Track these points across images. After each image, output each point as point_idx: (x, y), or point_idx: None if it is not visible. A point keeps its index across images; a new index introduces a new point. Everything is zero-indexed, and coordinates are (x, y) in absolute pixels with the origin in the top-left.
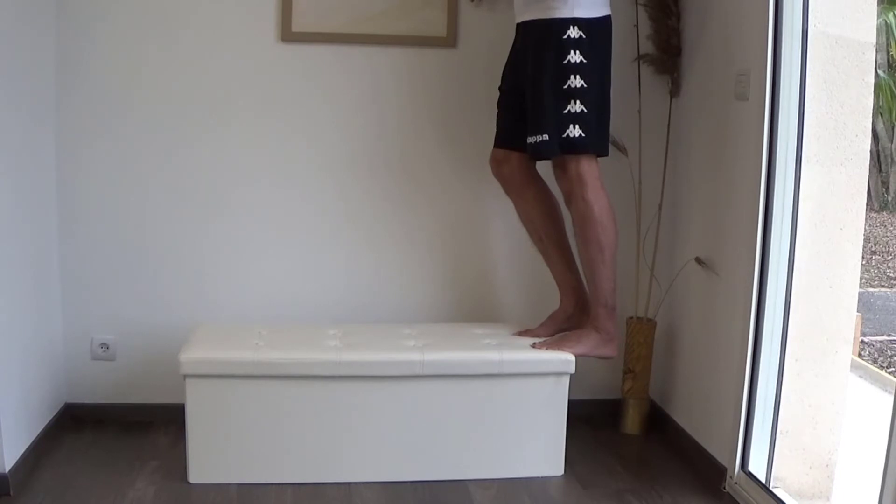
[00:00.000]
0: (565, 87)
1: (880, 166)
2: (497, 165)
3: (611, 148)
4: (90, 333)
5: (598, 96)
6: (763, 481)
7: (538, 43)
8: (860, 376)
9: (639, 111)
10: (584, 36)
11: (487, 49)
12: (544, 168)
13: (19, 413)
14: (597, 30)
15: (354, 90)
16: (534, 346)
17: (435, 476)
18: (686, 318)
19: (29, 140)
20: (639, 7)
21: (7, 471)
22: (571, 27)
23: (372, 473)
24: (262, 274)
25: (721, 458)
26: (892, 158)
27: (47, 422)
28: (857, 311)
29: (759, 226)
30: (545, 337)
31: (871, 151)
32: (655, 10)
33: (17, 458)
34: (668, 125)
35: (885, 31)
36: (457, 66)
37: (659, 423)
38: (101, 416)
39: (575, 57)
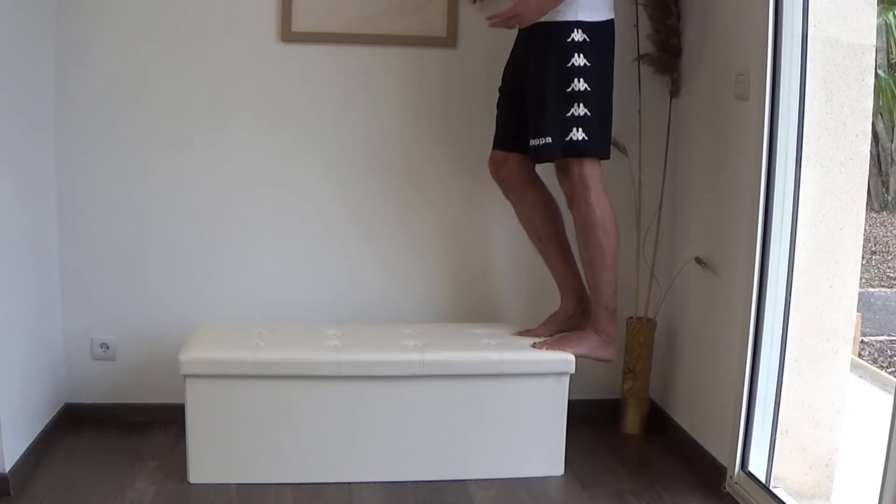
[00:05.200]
0: (568, 90)
1: (880, 166)
2: (496, 167)
3: (611, 148)
4: (90, 333)
5: (600, 99)
6: (763, 481)
7: (541, 46)
8: (860, 376)
9: (639, 111)
10: (587, 39)
11: (487, 49)
12: (543, 169)
13: (19, 413)
14: (600, 33)
15: (354, 90)
16: (534, 346)
17: (435, 476)
18: (686, 318)
19: (29, 140)
20: (639, 7)
21: (7, 471)
22: (575, 30)
23: (372, 473)
24: (262, 274)
25: (721, 458)
26: (892, 158)
27: (47, 422)
28: (857, 311)
29: (759, 226)
30: (545, 337)
31: (871, 152)
32: (655, 10)
33: (17, 458)
34: (668, 125)
35: (885, 31)
36: (457, 66)
37: (659, 423)
38: (101, 416)
39: (578, 60)
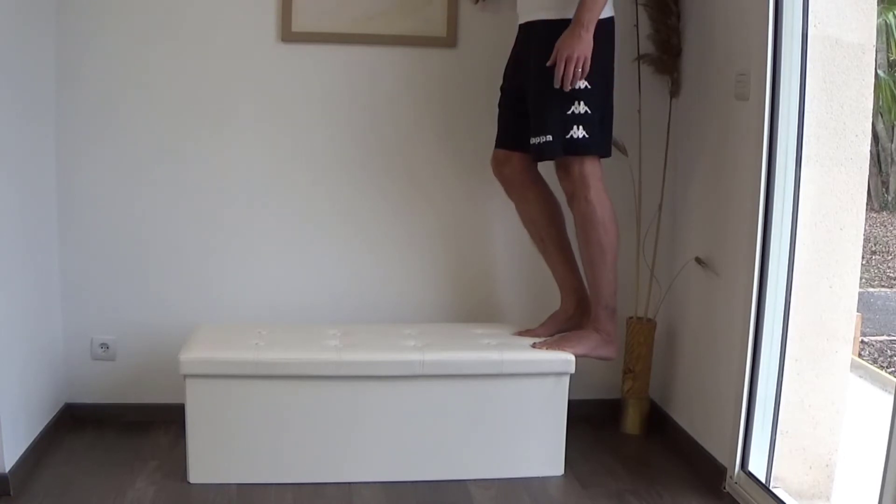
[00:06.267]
0: (569, 88)
1: (880, 166)
2: (498, 166)
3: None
4: (90, 333)
5: (601, 97)
6: (763, 481)
7: (542, 44)
8: (860, 376)
9: (639, 111)
10: None
11: (487, 49)
12: (545, 168)
13: (19, 413)
14: (601, 31)
15: (354, 90)
16: (534, 346)
17: (435, 476)
18: (686, 318)
19: (29, 140)
20: (639, 7)
21: (7, 471)
22: None
23: (372, 473)
24: (262, 274)
25: (721, 458)
26: (892, 158)
27: (47, 422)
28: (857, 311)
29: (759, 226)
30: (545, 337)
31: (871, 152)
32: (655, 10)
33: (17, 458)
34: (668, 125)
35: (885, 31)
36: (457, 66)
37: (659, 423)
38: (101, 416)
39: None
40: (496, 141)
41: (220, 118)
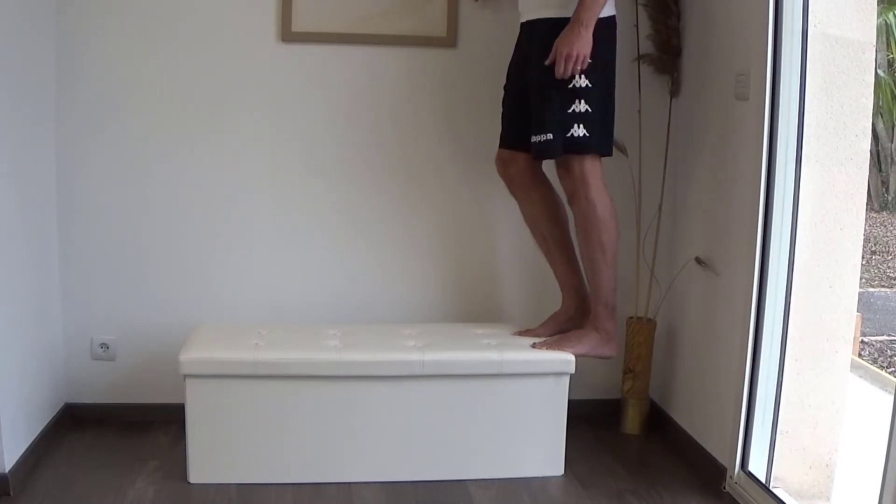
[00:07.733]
0: (570, 86)
1: (880, 166)
2: (503, 166)
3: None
4: (90, 333)
5: (602, 96)
6: (763, 481)
7: (544, 42)
8: (860, 376)
9: (639, 111)
10: None
11: (488, 49)
12: (547, 165)
13: (19, 413)
14: (602, 30)
15: (354, 90)
16: (534, 346)
17: (435, 476)
18: (686, 318)
19: (29, 140)
20: (639, 7)
21: (7, 471)
22: None
23: (372, 473)
24: (262, 274)
25: (721, 458)
26: (892, 158)
27: (47, 422)
28: (857, 311)
29: (759, 226)
30: (545, 337)
31: (871, 151)
32: (655, 10)
33: (17, 458)
34: (668, 125)
35: (885, 31)
36: (457, 67)
37: (659, 423)
38: (101, 416)
39: None
40: (501, 140)
41: (221, 118)
